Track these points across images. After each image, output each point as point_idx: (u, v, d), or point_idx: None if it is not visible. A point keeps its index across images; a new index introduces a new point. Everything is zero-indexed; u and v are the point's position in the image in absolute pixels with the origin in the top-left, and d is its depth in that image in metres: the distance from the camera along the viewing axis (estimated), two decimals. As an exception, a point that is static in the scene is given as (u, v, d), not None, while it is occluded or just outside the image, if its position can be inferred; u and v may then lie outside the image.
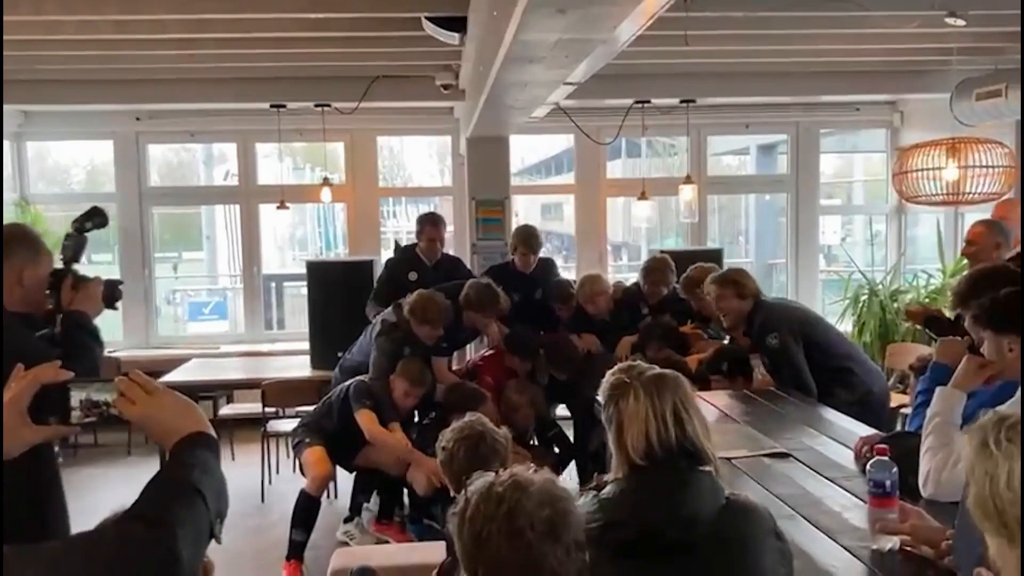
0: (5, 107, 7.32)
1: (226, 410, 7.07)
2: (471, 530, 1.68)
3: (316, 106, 7.48)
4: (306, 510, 4.88)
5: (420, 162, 11.28)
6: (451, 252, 6.65)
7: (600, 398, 2.23)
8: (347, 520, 5.32)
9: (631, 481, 2.09)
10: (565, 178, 8.28)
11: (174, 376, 6.52)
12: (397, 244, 6.39)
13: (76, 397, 1.49)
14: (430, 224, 6.03)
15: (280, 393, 6.14)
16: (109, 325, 8.75)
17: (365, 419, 4.88)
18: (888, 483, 2.39)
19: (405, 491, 5.23)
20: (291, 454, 5.46)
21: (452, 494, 2.68)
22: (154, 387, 1.45)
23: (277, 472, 6.56)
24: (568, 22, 2.88)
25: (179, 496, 1.32)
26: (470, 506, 1.69)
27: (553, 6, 2.66)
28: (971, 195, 5.95)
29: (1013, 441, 1.22)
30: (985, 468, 1.22)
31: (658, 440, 2.05)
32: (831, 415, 3.91)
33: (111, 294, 2.85)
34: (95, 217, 2.86)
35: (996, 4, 5.00)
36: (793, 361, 4.42)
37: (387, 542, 5.05)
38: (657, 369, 2.21)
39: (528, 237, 5.99)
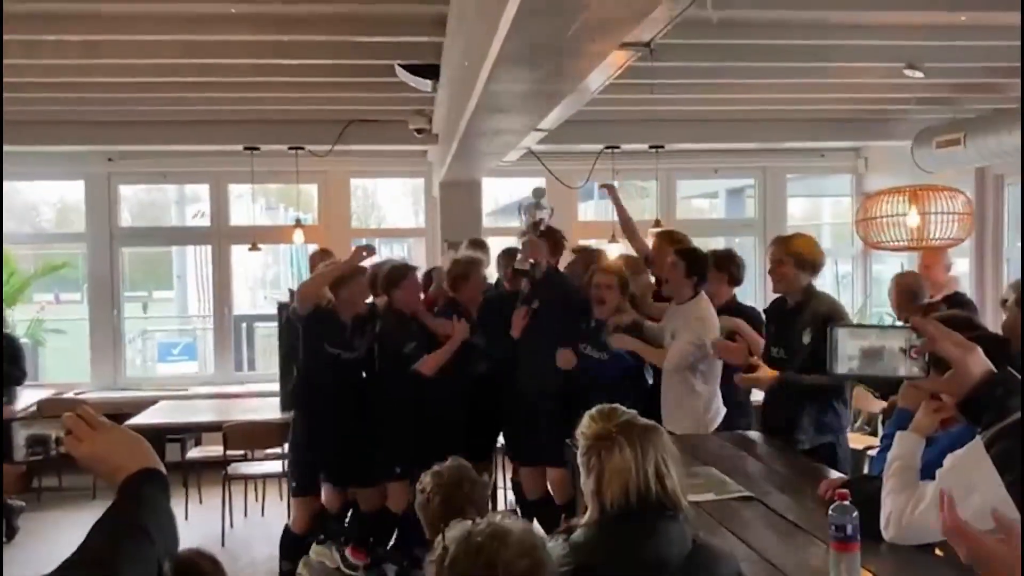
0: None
1: (194, 453, 6.99)
2: None
3: (290, 149, 7.52)
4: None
5: (394, 202, 11.33)
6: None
7: (579, 442, 2.25)
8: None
9: (601, 527, 2.11)
10: (537, 220, 8.36)
11: (141, 419, 6.45)
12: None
13: (22, 435, 1.47)
14: None
15: (243, 436, 6.11)
16: (76, 366, 8.75)
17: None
18: (849, 527, 2.42)
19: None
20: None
21: (428, 537, 2.67)
22: (100, 422, 1.41)
23: (244, 515, 6.51)
24: (537, 74, 2.96)
25: (126, 536, 1.28)
26: (448, 555, 1.70)
27: (522, 59, 2.72)
28: (934, 240, 6.10)
29: None
30: None
31: (637, 495, 2.09)
32: (797, 459, 3.95)
33: None
34: None
35: (953, 57, 5.17)
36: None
37: (356, 568, 5.06)
38: (639, 419, 2.24)
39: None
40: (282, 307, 6.07)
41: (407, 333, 5.02)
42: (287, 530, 5.25)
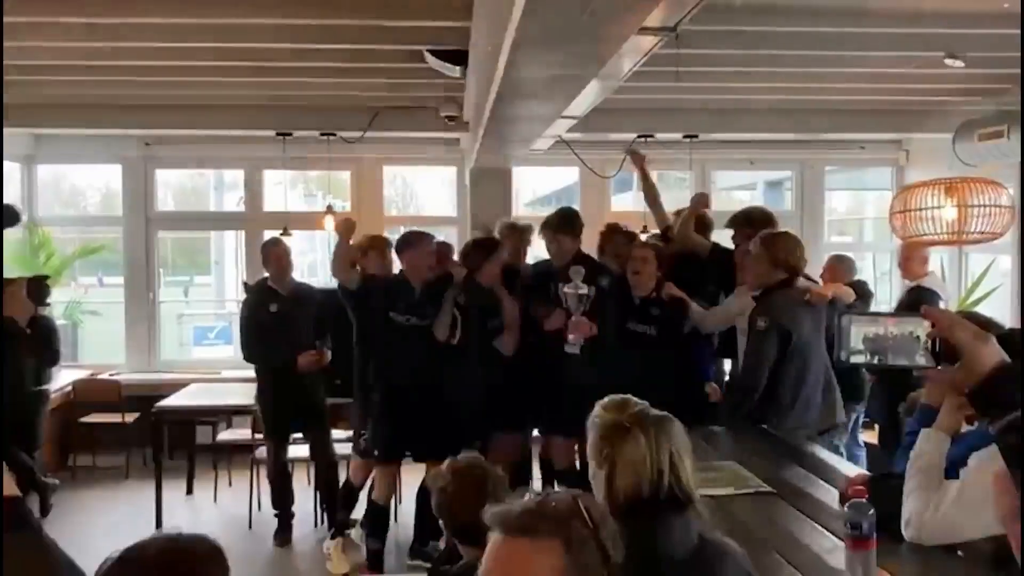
0: (16, 131, 7.43)
1: (224, 435, 7.07)
2: None
3: (321, 135, 7.53)
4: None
5: (433, 190, 11.34)
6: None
7: (590, 432, 2.21)
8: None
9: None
10: (571, 209, 8.30)
11: (172, 400, 6.53)
12: (246, 284, 6.46)
13: None
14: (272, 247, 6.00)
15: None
16: (113, 348, 8.88)
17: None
18: (865, 525, 2.36)
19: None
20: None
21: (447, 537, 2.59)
22: None
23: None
24: (557, 59, 2.91)
25: None
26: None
27: (538, 43, 2.68)
28: (972, 234, 5.93)
29: None
30: None
31: (649, 487, 2.05)
32: (822, 454, 3.88)
33: (38, 292, 2.82)
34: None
35: (994, 46, 5.01)
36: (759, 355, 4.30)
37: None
38: (652, 410, 2.18)
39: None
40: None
41: (489, 308, 5.10)
42: (371, 503, 5.25)
